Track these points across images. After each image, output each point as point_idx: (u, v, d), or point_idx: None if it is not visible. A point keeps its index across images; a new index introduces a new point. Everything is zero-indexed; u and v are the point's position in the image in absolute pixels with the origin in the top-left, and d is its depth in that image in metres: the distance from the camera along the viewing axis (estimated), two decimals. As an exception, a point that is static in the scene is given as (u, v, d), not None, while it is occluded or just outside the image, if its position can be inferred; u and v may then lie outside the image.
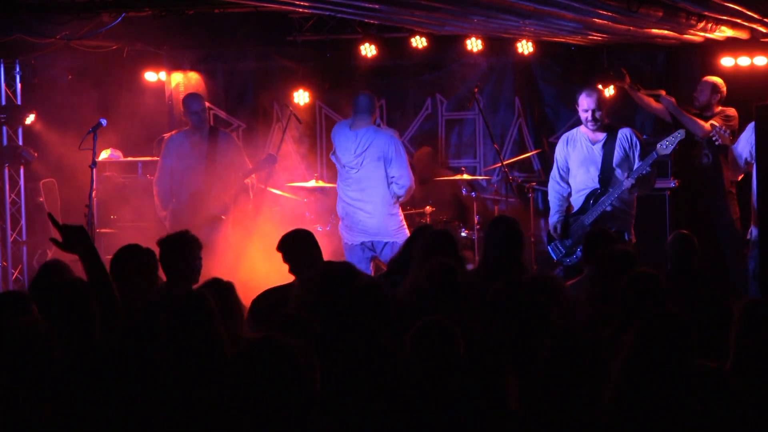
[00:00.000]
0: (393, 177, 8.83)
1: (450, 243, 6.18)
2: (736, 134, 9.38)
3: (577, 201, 8.35)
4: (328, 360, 4.43)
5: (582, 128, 8.39)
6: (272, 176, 10.23)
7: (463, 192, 10.35)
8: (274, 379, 3.38)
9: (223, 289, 5.04)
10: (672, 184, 9.60)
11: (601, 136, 8.27)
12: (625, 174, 8.11)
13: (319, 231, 9.68)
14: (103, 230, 10.00)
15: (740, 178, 9.11)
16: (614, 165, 8.19)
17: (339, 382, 4.32)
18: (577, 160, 8.35)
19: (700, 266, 6.73)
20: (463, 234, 9.65)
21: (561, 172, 8.44)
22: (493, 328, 4.56)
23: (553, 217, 8.38)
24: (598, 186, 8.20)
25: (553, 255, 8.41)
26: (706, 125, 9.39)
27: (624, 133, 8.26)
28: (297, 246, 6.45)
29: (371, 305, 4.63)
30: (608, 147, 8.22)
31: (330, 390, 4.18)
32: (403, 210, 10.29)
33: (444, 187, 10.48)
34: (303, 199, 10.29)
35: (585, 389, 4.21)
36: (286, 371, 3.42)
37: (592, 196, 8.21)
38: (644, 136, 9.94)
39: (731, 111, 9.42)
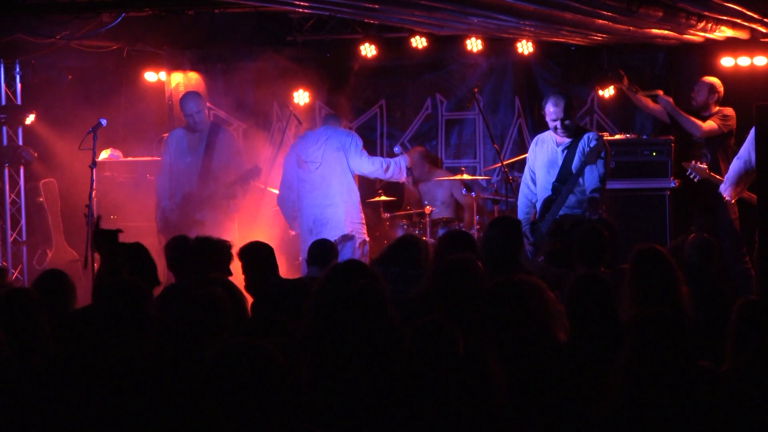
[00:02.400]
0: (353, 170, 9.09)
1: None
2: (734, 134, 9.39)
3: (537, 205, 8.21)
4: (326, 359, 4.44)
5: (553, 131, 8.23)
6: (272, 175, 10.24)
7: (463, 192, 10.35)
8: (251, 382, 3.38)
9: (230, 289, 5.07)
10: (672, 184, 9.59)
11: (567, 140, 8.12)
12: (581, 179, 7.93)
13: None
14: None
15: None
16: (573, 169, 7.98)
17: (335, 381, 4.33)
18: (542, 162, 8.20)
19: (718, 271, 6.70)
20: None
21: (531, 175, 8.30)
22: (488, 326, 4.57)
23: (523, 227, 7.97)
24: (551, 193, 8.05)
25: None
26: (704, 125, 9.39)
27: (587, 137, 8.09)
28: (257, 258, 6.44)
29: (366, 306, 4.63)
30: (570, 151, 8.06)
31: (326, 389, 4.19)
32: (403, 210, 10.32)
33: (444, 187, 10.49)
34: (303, 199, 10.28)
35: (577, 390, 4.22)
36: (263, 375, 3.42)
37: (547, 203, 8.03)
38: (644, 136, 9.99)
39: (729, 111, 9.42)
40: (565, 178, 8.01)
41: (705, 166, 8.90)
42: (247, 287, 6.38)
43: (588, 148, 7.96)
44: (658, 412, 3.73)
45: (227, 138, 9.44)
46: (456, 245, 6.09)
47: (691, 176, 8.95)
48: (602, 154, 7.93)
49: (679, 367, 3.78)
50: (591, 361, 4.38)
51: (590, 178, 7.95)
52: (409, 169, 9.39)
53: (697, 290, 5.79)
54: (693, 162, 8.95)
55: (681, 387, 3.75)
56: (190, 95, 9.52)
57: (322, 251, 6.63)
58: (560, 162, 8.08)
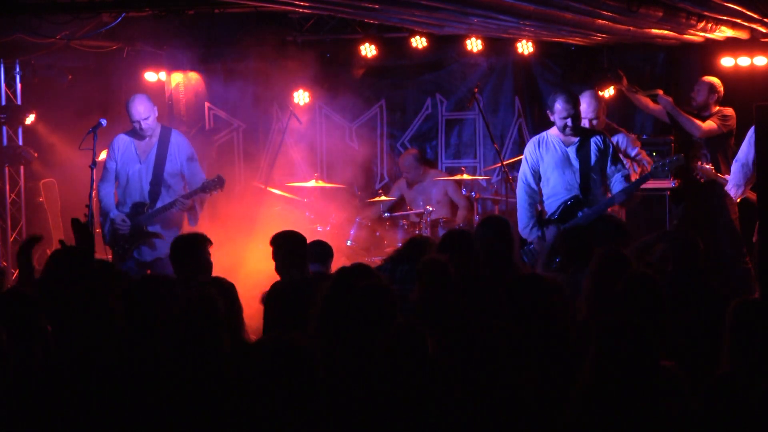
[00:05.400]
0: None
1: None
2: (734, 133, 9.40)
3: (550, 206, 8.04)
4: (331, 358, 4.45)
5: (552, 131, 8.10)
6: (272, 176, 10.23)
7: (463, 192, 10.36)
8: (288, 378, 3.42)
9: (225, 290, 5.06)
10: (672, 184, 9.58)
11: (574, 139, 8.01)
12: (599, 178, 7.92)
13: (318, 231, 9.68)
14: (103, 230, 10.00)
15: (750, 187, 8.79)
16: (591, 167, 7.93)
17: (341, 380, 4.34)
18: (551, 162, 8.04)
19: (704, 267, 6.70)
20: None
21: (533, 176, 8.12)
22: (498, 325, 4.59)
23: (533, 231, 7.97)
24: (578, 193, 7.92)
25: (525, 259, 7.99)
26: (704, 125, 9.40)
27: (597, 137, 8.03)
28: (289, 246, 6.48)
29: (376, 306, 4.65)
30: (584, 150, 7.97)
31: (333, 388, 4.20)
32: (401, 210, 10.34)
33: (438, 186, 10.50)
34: (303, 199, 10.30)
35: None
36: (299, 370, 3.45)
37: (571, 207, 7.92)
38: (644, 136, 10.00)
39: (728, 111, 9.42)
40: (588, 179, 7.93)
41: (711, 167, 8.92)
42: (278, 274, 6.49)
43: (603, 146, 7.96)
44: (622, 416, 3.74)
45: (180, 142, 8.69)
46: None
47: (698, 177, 8.96)
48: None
49: (642, 371, 3.79)
50: None
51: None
52: None
53: (685, 289, 5.80)
54: (699, 163, 8.96)
55: (643, 390, 3.76)
56: (137, 99, 8.63)
57: (321, 249, 6.75)
58: (577, 163, 7.97)
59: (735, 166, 8.62)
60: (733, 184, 8.60)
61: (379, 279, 5.09)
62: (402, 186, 10.73)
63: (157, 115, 8.69)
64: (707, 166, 8.91)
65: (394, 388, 4.05)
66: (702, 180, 8.96)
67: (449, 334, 4.52)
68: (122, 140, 8.72)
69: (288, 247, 6.47)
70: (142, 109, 8.52)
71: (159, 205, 8.52)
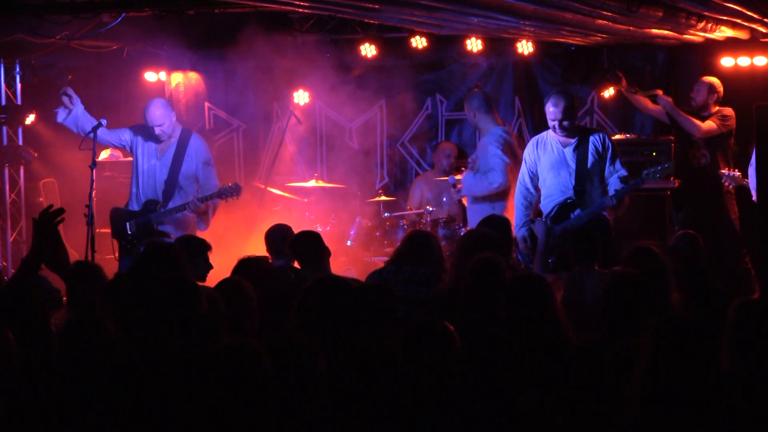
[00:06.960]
0: None
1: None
2: (733, 133, 9.41)
3: (545, 207, 8.04)
4: (333, 361, 4.44)
5: (552, 131, 8.13)
6: (272, 176, 10.22)
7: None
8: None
9: (239, 290, 5.07)
10: (672, 184, 9.59)
11: (572, 139, 8.01)
12: (597, 179, 7.93)
13: (318, 231, 9.68)
14: (103, 230, 9.98)
15: None
16: (588, 168, 7.90)
17: (344, 382, 4.34)
18: (548, 163, 8.03)
19: (707, 265, 6.74)
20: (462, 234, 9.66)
21: (530, 176, 8.11)
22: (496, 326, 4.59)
23: (521, 230, 7.96)
24: (571, 195, 7.92)
25: (521, 259, 8.03)
26: (703, 125, 9.40)
27: (597, 136, 8.02)
28: (308, 246, 6.51)
29: (381, 306, 4.65)
30: (581, 150, 7.95)
31: (335, 390, 4.20)
32: (402, 210, 10.33)
33: (444, 187, 10.48)
34: (303, 199, 10.30)
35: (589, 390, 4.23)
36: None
37: (566, 207, 7.90)
38: (644, 137, 10.00)
39: (728, 111, 9.44)
40: (584, 180, 7.92)
41: (739, 174, 8.93)
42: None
43: (602, 147, 7.93)
44: (680, 415, 3.74)
45: (199, 147, 8.73)
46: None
47: (726, 183, 9.01)
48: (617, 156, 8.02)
49: (701, 370, 3.79)
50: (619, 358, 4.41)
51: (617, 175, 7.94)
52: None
53: (690, 286, 5.82)
54: (726, 170, 8.99)
55: (702, 390, 3.76)
56: (153, 104, 8.70)
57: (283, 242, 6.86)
58: (573, 164, 7.96)
59: (750, 171, 8.67)
60: (752, 187, 8.67)
61: (351, 285, 5.05)
62: (421, 185, 10.69)
63: (174, 119, 8.74)
64: (735, 173, 8.93)
65: (414, 388, 4.03)
66: (731, 187, 9.01)
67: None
68: (146, 131, 8.71)
69: (304, 246, 6.54)
70: (158, 114, 8.59)
71: (171, 205, 8.54)
